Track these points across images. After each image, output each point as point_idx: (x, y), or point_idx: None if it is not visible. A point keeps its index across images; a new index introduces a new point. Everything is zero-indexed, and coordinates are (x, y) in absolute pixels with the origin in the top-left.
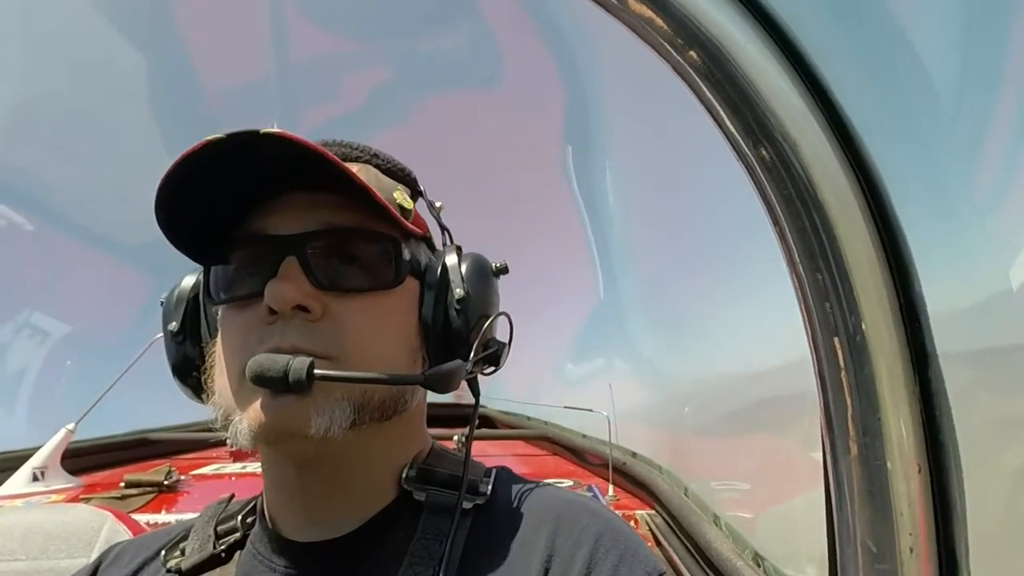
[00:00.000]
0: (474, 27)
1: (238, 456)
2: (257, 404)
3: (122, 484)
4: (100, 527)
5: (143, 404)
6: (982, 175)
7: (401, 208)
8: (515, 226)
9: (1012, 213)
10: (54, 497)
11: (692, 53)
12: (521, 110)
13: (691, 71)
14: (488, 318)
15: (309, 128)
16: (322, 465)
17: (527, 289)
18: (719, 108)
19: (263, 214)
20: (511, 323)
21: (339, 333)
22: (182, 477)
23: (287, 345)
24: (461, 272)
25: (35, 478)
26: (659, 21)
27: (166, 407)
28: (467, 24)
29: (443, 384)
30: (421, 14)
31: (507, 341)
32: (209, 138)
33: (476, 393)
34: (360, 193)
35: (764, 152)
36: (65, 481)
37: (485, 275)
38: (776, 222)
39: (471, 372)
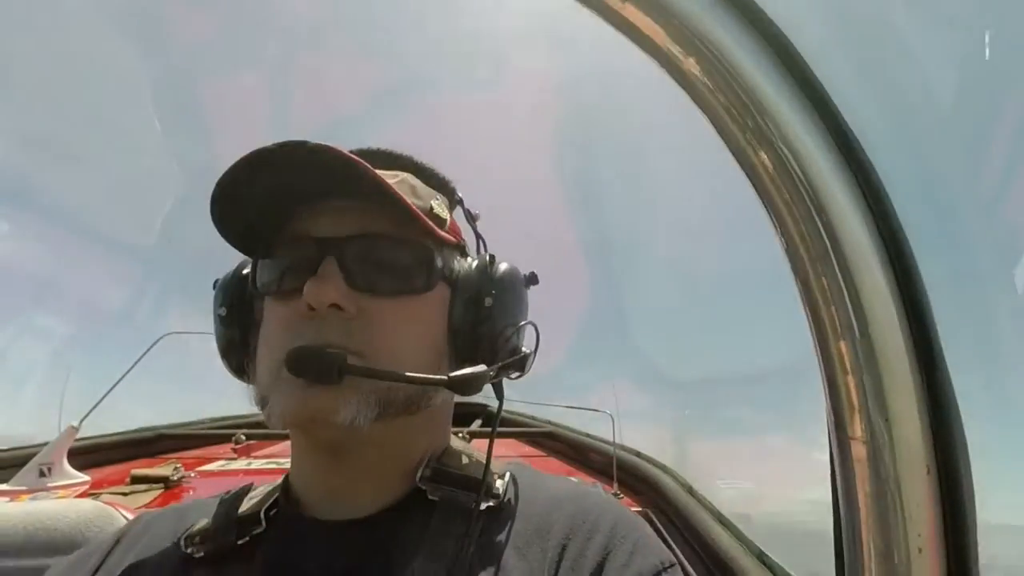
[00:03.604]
0: (474, 30)
1: (243, 452)
2: (291, 392)
3: (128, 480)
4: (106, 522)
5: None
6: (981, 175)
7: (436, 217)
8: (513, 229)
9: (1012, 212)
10: (60, 493)
11: (691, 61)
12: (518, 112)
13: (690, 79)
14: (514, 326)
15: (308, 130)
16: (350, 450)
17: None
18: (719, 115)
19: (310, 216)
20: (537, 332)
21: (371, 331)
22: (189, 473)
23: (322, 339)
24: (491, 281)
25: (41, 474)
26: (658, 29)
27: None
28: (467, 27)
29: (466, 388)
30: (421, 16)
31: (533, 349)
32: (261, 147)
33: (500, 397)
34: (394, 202)
35: (765, 158)
36: (71, 477)
37: (514, 284)
38: (779, 227)
39: (495, 377)
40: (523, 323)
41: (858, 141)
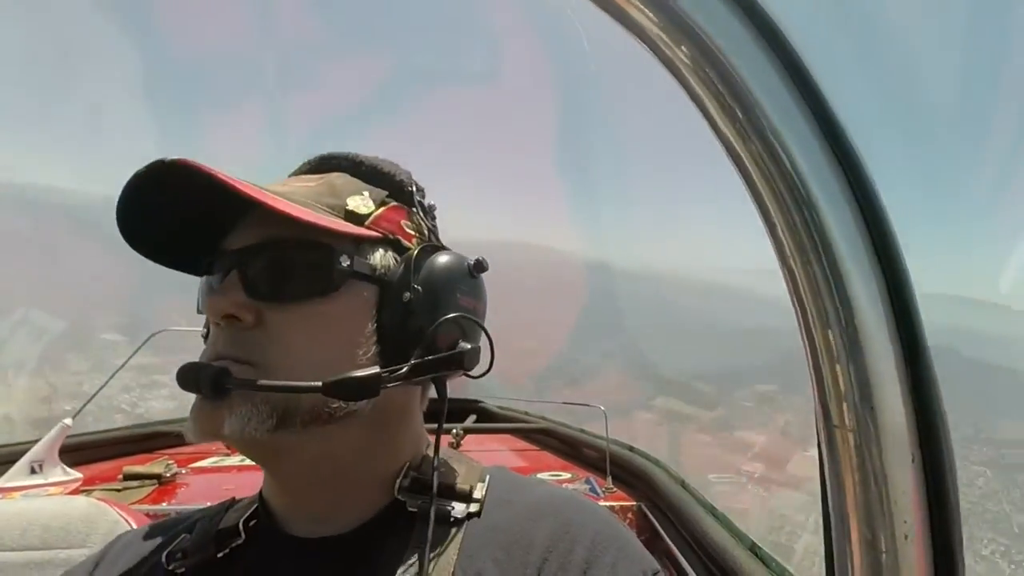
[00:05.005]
0: (472, 24)
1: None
2: (193, 408)
3: (121, 477)
4: (99, 519)
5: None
6: (967, 168)
7: (353, 214)
8: (509, 220)
9: (1001, 207)
10: (52, 490)
11: (682, 49)
12: (514, 102)
13: (680, 67)
14: (451, 320)
15: (306, 124)
16: (278, 463)
17: (523, 287)
18: (708, 104)
19: (230, 230)
20: (483, 327)
21: (266, 341)
22: (181, 470)
23: (213, 353)
24: (416, 274)
25: (33, 471)
26: (649, 16)
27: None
28: (465, 21)
29: (348, 393)
30: (419, 11)
31: (487, 343)
32: (130, 178)
33: (442, 394)
34: (261, 205)
35: (753, 148)
36: (63, 474)
37: (448, 275)
38: (766, 217)
39: (410, 377)
40: (448, 316)
41: (846, 134)
